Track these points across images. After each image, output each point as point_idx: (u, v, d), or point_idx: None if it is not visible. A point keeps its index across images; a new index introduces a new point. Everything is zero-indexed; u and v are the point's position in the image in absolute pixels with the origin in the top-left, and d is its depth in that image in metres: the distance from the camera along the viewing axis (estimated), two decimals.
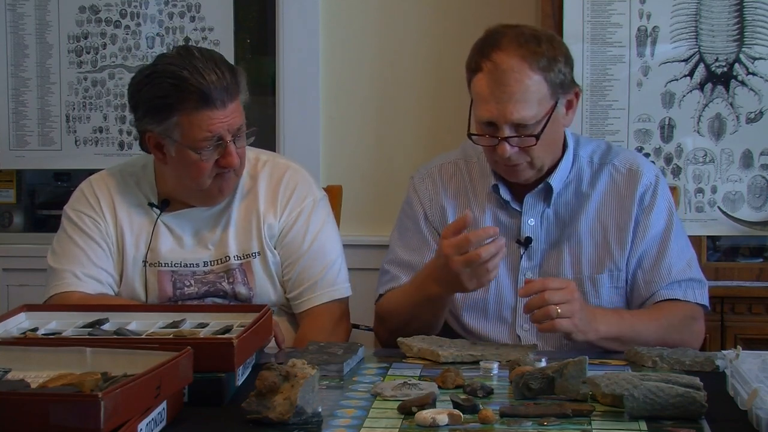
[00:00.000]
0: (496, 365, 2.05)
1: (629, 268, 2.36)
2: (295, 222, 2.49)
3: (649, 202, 2.37)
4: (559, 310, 2.10)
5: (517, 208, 2.38)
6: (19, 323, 2.12)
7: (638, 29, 3.06)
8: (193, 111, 2.30)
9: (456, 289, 2.21)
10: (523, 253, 2.35)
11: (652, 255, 2.35)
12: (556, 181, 2.36)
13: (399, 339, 2.23)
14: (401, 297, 2.36)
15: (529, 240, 2.36)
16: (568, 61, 2.29)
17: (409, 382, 1.89)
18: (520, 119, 2.23)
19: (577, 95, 2.32)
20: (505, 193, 2.38)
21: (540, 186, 2.36)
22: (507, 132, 2.24)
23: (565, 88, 2.28)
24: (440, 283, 2.21)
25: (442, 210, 2.44)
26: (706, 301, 2.36)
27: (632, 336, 2.22)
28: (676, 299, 2.33)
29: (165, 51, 3.05)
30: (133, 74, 2.44)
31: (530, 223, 2.37)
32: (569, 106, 2.31)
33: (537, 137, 2.24)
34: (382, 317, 2.42)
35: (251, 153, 2.53)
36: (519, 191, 2.38)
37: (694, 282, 2.35)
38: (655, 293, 2.33)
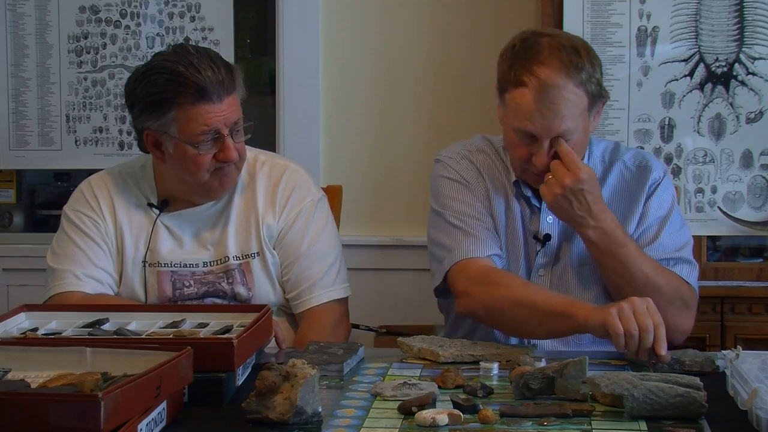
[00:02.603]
0: (496, 365, 2.05)
1: None
2: (294, 223, 2.49)
3: (653, 192, 2.40)
4: (549, 177, 2.26)
5: (537, 204, 2.39)
6: (19, 323, 2.12)
7: (638, 29, 3.06)
8: (189, 105, 2.31)
9: (599, 313, 2.07)
10: (539, 249, 2.37)
11: (648, 236, 2.37)
12: None
13: (399, 339, 2.23)
14: (526, 287, 2.27)
15: (548, 237, 2.37)
16: (601, 69, 2.32)
17: (409, 382, 1.88)
18: (564, 131, 2.26)
19: (604, 102, 2.35)
20: (525, 189, 2.40)
21: None
22: (546, 146, 2.27)
23: (600, 97, 2.32)
24: (590, 306, 2.13)
25: (486, 189, 2.42)
26: (694, 282, 2.37)
27: (621, 261, 2.25)
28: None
29: None
30: None
31: (548, 220, 2.38)
32: (596, 111, 2.34)
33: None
34: (480, 281, 2.29)
35: (250, 153, 2.53)
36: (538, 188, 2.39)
37: (683, 261, 2.36)
38: None
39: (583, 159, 2.38)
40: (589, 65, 2.27)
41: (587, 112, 2.29)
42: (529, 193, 2.40)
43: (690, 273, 2.36)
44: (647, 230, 2.38)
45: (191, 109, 2.32)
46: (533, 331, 2.24)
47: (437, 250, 2.39)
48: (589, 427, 1.71)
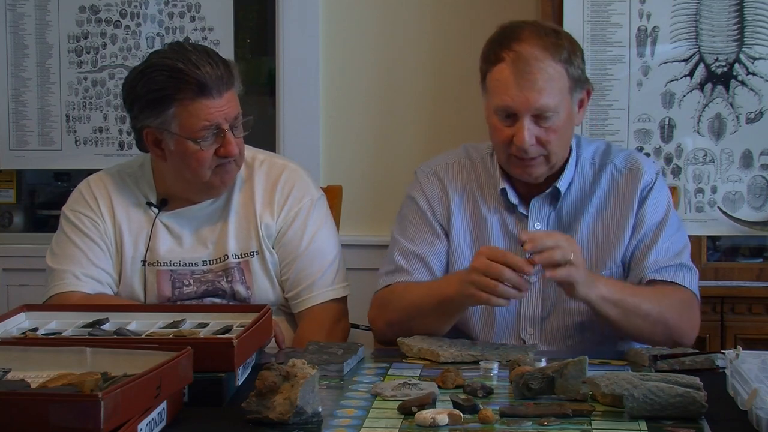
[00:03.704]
0: (496, 365, 2.05)
1: (625, 259, 2.36)
2: (292, 222, 2.49)
3: (647, 195, 2.38)
4: (572, 256, 2.11)
5: (524, 212, 2.38)
6: (19, 323, 2.12)
7: (638, 29, 3.06)
8: (190, 101, 2.32)
9: (461, 290, 2.16)
10: (529, 257, 2.35)
11: (646, 243, 2.35)
12: (562, 184, 2.36)
13: (399, 339, 2.23)
14: (410, 290, 2.34)
15: None
16: (583, 58, 2.32)
17: (409, 382, 1.89)
18: (543, 105, 2.22)
19: (588, 93, 2.34)
20: (513, 197, 2.38)
21: (548, 190, 2.36)
22: (527, 122, 2.23)
23: (582, 83, 2.31)
24: (454, 280, 2.20)
25: (448, 208, 2.42)
26: (695, 288, 2.35)
27: (633, 303, 2.22)
28: (665, 281, 2.32)
29: None
30: None
31: (536, 227, 2.36)
32: (581, 104, 2.33)
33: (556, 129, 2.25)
34: (382, 304, 2.38)
35: (248, 152, 2.53)
36: (526, 195, 2.38)
37: (683, 267, 2.34)
38: (643, 276, 2.33)
39: (568, 153, 2.36)
40: (570, 48, 2.26)
41: (569, 95, 2.27)
42: (516, 201, 2.39)
43: (691, 279, 2.35)
44: (645, 236, 2.35)
45: (191, 105, 2.32)
46: (433, 325, 2.28)
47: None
48: (589, 427, 1.71)
